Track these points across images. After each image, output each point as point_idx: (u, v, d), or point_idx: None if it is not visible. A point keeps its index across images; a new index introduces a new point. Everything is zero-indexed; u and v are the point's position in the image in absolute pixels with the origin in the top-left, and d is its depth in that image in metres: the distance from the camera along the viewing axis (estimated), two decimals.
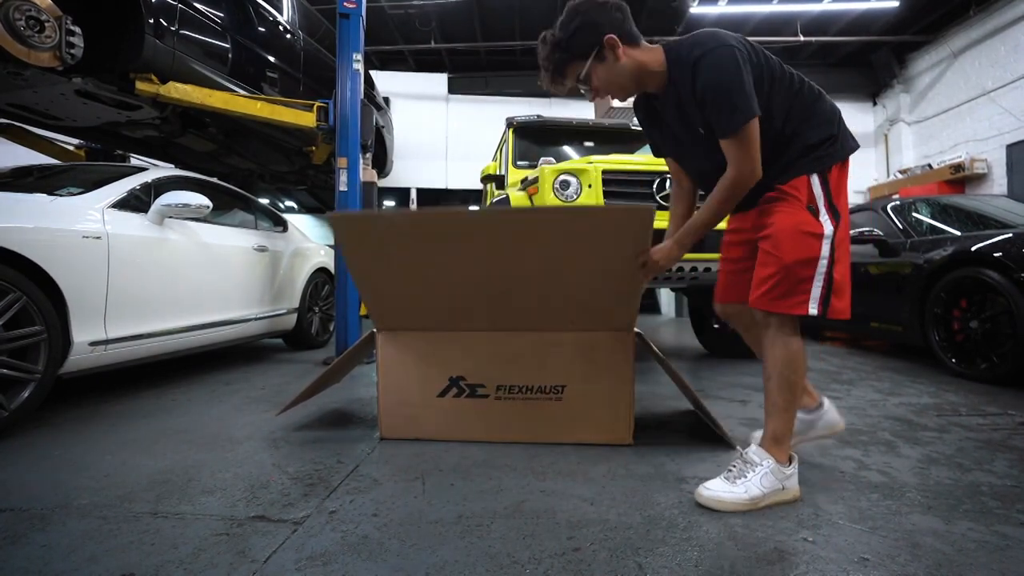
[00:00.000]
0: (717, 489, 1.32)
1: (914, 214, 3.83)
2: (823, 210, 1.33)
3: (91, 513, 1.30)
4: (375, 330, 1.91)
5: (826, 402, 1.61)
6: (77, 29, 2.79)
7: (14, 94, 3.29)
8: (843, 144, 1.38)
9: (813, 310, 1.30)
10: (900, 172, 8.51)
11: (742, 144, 1.29)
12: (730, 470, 1.37)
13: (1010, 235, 2.81)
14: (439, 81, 8.98)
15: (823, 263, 1.30)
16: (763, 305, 1.35)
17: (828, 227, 1.32)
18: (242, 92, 3.74)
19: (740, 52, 1.29)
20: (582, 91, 1.45)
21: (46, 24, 2.65)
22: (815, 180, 1.34)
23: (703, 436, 1.90)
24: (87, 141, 4.53)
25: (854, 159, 1.46)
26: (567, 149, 4.46)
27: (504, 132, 4.67)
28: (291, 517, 1.28)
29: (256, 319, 3.52)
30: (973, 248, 2.92)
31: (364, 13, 3.68)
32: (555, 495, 1.41)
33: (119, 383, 2.88)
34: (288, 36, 4.53)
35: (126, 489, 1.45)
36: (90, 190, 2.48)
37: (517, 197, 3.25)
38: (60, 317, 2.09)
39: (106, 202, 2.46)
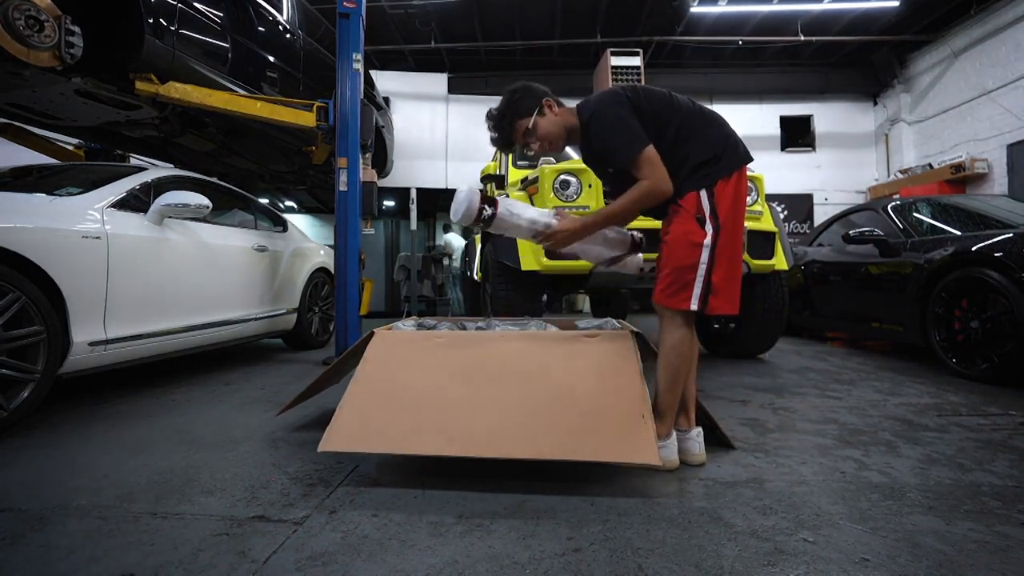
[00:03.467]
0: None
1: (915, 214, 3.83)
2: (708, 220, 1.54)
3: (90, 513, 1.30)
4: (374, 331, 1.91)
5: (696, 430, 1.67)
6: (76, 29, 2.78)
7: (13, 94, 3.28)
8: (727, 162, 1.58)
9: (694, 306, 1.55)
10: (900, 172, 8.50)
11: (646, 165, 1.55)
12: None
13: (1011, 235, 2.81)
14: (439, 81, 8.97)
15: (703, 268, 1.53)
16: (659, 300, 1.61)
17: (709, 237, 1.54)
18: (242, 92, 3.73)
19: (620, 104, 1.59)
20: (526, 150, 1.74)
21: (45, 24, 2.64)
22: (703, 194, 1.56)
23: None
24: (86, 141, 4.53)
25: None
26: (567, 149, 4.46)
27: None
28: (291, 517, 1.28)
29: (256, 319, 3.52)
30: (974, 248, 2.92)
31: (364, 13, 3.68)
32: (555, 495, 1.41)
33: (119, 383, 2.88)
34: (288, 36, 4.52)
35: (125, 489, 1.45)
36: (89, 190, 2.47)
37: (517, 197, 3.25)
38: (59, 317, 2.08)
39: (106, 202, 2.46)
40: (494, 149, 5.67)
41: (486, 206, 1.64)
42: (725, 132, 1.64)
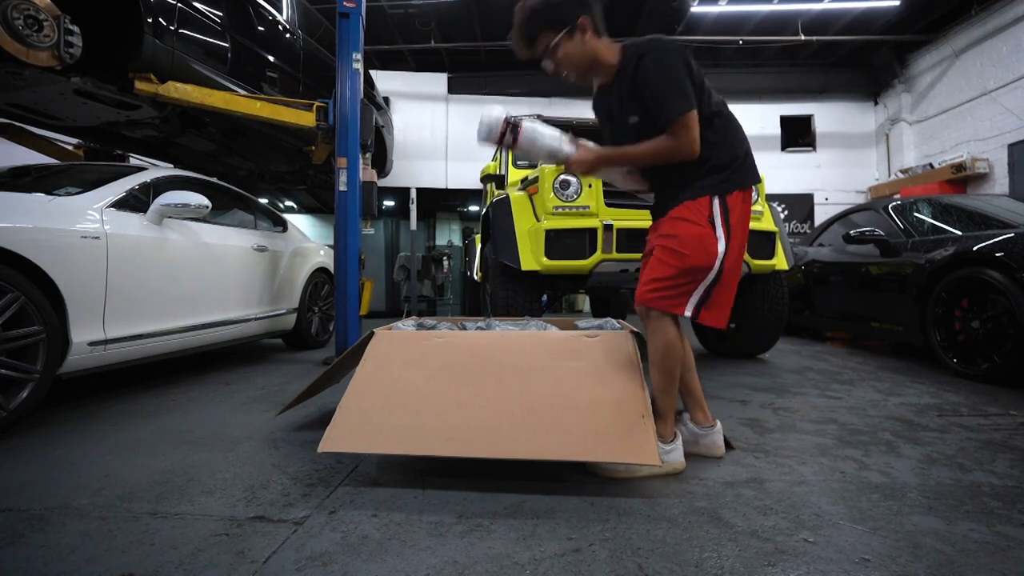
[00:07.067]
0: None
1: (915, 214, 3.83)
2: (720, 227, 1.48)
3: (90, 513, 1.30)
4: (374, 331, 1.91)
5: (718, 424, 1.68)
6: (75, 28, 2.78)
7: (13, 94, 3.28)
8: (745, 173, 1.53)
9: (688, 312, 1.49)
10: (901, 172, 8.50)
11: (683, 129, 1.43)
12: None
13: (1012, 235, 2.81)
14: (439, 81, 8.98)
15: (711, 275, 1.47)
16: (648, 302, 1.52)
17: (722, 244, 1.47)
18: (242, 92, 3.73)
19: (681, 56, 1.44)
20: (542, 64, 1.54)
21: (44, 23, 2.64)
22: (715, 201, 1.49)
23: None
24: (86, 141, 4.53)
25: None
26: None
27: None
28: (291, 517, 1.28)
29: (256, 319, 3.52)
30: (975, 248, 2.92)
31: (364, 13, 3.67)
32: (555, 495, 1.41)
33: (119, 383, 2.88)
34: (288, 35, 4.52)
35: (126, 489, 1.45)
36: (89, 190, 2.47)
37: (517, 197, 3.25)
38: (59, 317, 2.08)
39: (105, 202, 2.45)
40: (494, 148, 5.68)
41: (510, 127, 1.56)
42: (745, 143, 1.59)
